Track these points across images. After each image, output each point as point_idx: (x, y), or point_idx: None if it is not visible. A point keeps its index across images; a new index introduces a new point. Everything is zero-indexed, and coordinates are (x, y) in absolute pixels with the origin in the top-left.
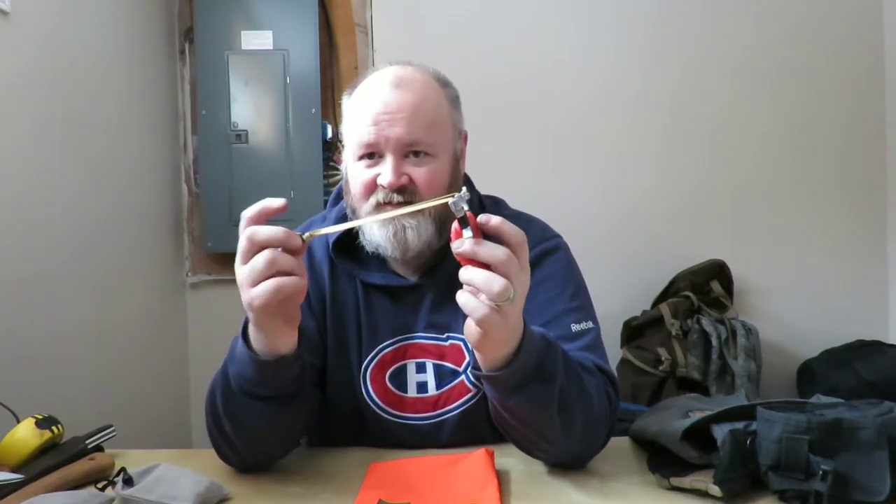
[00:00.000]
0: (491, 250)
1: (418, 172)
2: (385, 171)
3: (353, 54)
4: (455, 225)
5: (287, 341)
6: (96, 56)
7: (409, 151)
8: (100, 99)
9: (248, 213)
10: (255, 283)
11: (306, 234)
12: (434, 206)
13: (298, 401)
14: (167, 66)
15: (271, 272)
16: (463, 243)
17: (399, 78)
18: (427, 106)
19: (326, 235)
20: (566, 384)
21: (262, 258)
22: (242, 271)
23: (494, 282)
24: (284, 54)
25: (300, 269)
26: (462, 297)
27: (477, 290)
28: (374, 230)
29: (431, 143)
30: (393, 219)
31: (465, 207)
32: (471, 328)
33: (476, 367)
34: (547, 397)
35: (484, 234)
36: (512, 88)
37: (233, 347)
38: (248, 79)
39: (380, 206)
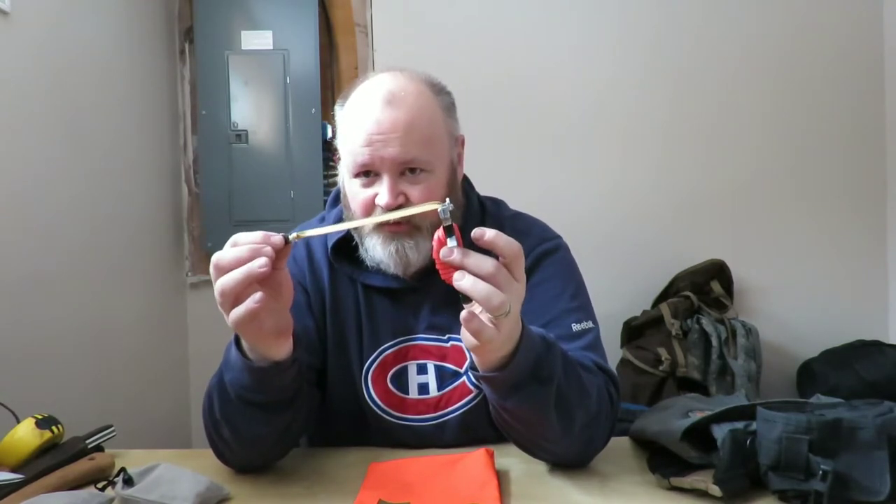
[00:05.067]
0: (477, 261)
1: (415, 191)
2: (382, 193)
3: (353, 54)
4: (439, 233)
5: (281, 350)
6: (96, 56)
7: (405, 168)
8: (99, 99)
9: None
10: (230, 306)
11: (292, 235)
12: (432, 221)
13: (296, 404)
14: (167, 65)
15: (240, 290)
16: (451, 252)
17: (391, 93)
18: (421, 122)
19: (325, 237)
20: (565, 384)
21: (230, 280)
22: (217, 296)
23: (494, 297)
24: (284, 54)
25: (285, 279)
26: (464, 313)
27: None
28: (377, 248)
29: (427, 159)
30: (393, 238)
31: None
32: (466, 334)
33: (474, 368)
34: (545, 398)
35: (478, 247)
36: (512, 88)
37: (227, 353)
38: (248, 79)
39: (379, 225)
